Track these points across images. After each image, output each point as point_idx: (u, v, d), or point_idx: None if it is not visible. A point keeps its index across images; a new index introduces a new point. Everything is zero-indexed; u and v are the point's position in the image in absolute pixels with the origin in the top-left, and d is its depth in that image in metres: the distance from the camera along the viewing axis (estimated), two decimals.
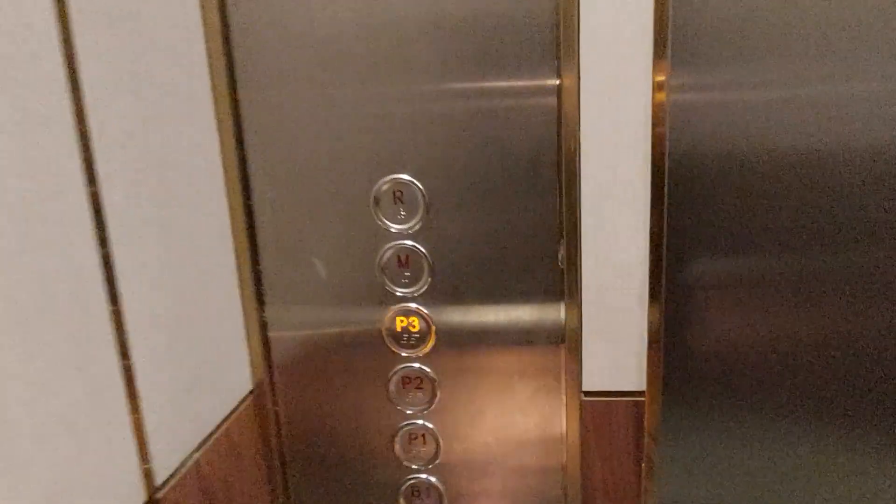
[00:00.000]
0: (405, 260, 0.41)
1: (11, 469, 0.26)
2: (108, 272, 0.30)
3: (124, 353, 0.32)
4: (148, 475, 0.33)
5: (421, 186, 0.40)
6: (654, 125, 0.38)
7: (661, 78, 0.37)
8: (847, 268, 0.39)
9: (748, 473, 0.44)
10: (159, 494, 0.34)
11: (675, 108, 0.38)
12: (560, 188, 0.40)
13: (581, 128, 0.39)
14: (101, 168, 0.30)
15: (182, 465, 0.36)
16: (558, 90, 0.38)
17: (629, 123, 0.40)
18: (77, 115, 0.28)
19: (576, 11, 0.37)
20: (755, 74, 0.37)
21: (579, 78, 0.38)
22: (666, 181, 0.39)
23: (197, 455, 0.37)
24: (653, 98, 0.38)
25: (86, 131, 0.29)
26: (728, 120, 0.38)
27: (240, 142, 0.41)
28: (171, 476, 0.35)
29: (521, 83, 0.38)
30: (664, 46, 0.37)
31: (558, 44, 0.37)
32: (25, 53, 0.26)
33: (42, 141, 0.27)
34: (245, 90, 0.40)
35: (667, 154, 0.38)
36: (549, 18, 0.37)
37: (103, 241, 0.30)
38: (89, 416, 0.30)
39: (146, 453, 0.33)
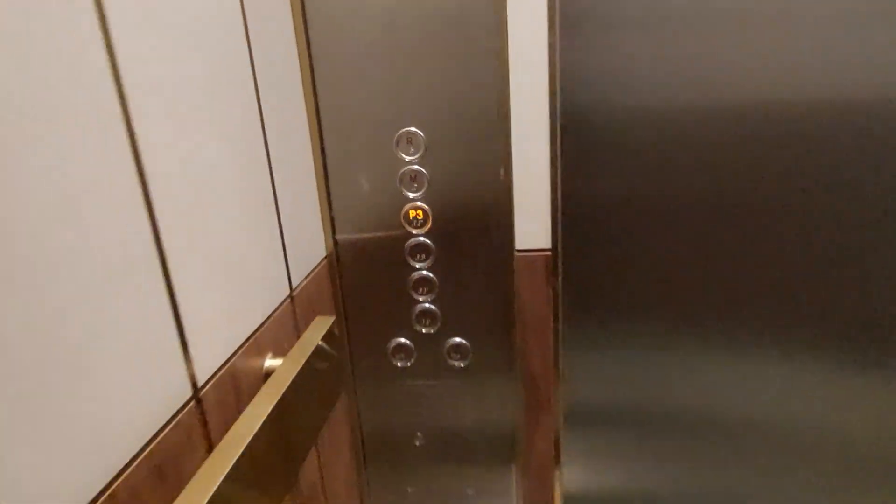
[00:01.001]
0: (413, 177, 0.73)
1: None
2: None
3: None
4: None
5: (422, 134, 0.71)
6: (550, 82, 0.69)
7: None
8: (704, 197, 0.72)
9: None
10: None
11: (564, 68, 0.69)
12: (500, 110, 0.71)
13: (510, 86, 0.70)
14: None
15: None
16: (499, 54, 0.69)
17: (536, 83, 0.71)
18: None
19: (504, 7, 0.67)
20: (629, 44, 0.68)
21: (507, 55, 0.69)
22: (559, 125, 0.70)
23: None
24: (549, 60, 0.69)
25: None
26: (611, 79, 0.69)
27: (316, 105, 0.71)
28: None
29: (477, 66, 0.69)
30: (554, 25, 0.68)
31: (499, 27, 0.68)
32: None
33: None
34: (318, 64, 0.70)
35: (558, 105, 0.70)
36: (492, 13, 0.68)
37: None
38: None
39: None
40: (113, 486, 0.36)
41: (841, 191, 0.69)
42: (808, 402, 0.79)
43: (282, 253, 0.62)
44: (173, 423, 0.42)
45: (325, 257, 0.76)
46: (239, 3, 0.55)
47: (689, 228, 0.73)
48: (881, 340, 0.74)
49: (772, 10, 0.64)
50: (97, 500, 0.35)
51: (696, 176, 0.71)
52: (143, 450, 0.39)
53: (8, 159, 0.29)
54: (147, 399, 0.40)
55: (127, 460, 0.38)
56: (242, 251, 0.54)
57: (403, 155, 0.72)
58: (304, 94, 0.70)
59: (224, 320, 0.50)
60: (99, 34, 0.36)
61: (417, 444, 0.85)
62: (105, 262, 0.36)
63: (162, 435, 0.41)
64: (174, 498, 0.40)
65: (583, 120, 0.70)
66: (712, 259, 0.74)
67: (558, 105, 0.69)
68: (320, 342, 0.58)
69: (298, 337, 0.64)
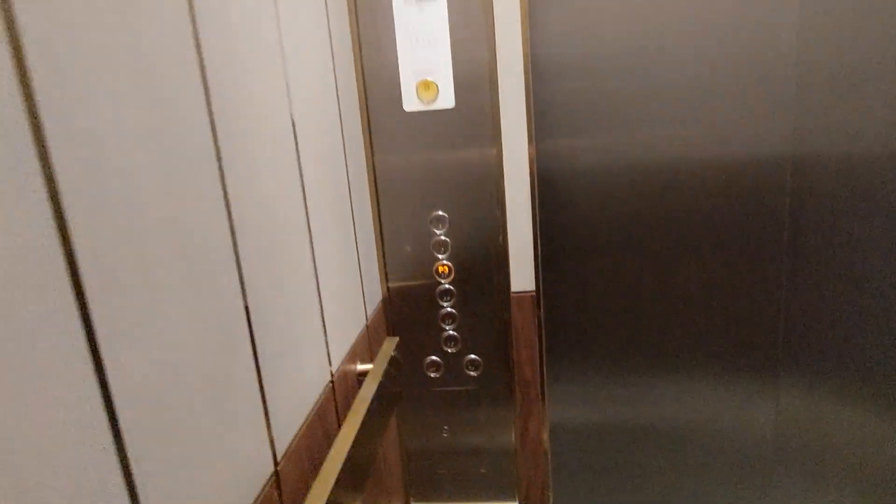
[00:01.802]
0: (441, 244, 1.08)
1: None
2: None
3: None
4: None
5: (447, 216, 1.07)
6: (531, 189, 1.06)
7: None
8: (638, 244, 1.08)
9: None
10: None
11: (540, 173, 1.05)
12: (498, 198, 1.07)
13: (505, 176, 1.06)
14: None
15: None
16: (497, 157, 1.05)
17: (523, 183, 1.07)
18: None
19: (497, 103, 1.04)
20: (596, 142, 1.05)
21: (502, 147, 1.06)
22: (537, 189, 1.06)
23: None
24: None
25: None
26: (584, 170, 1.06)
27: (377, 195, 1.07)
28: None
29: (475, 169, 1.05)
30: (531, 123, 1.04)
31: (494, 123, 1.05)
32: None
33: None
34: (381, 177, 1.06)
35: (535, 174, 1.06)
36: (488, 109, 1.04)
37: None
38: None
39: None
40: None
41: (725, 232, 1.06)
42: (747, 412, 1.13)
43: (361, 294, 0.97)
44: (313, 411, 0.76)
45: (382, 300, 1.11)
46: (338, 114, 0.91)
47: (631, 271, 1.09)
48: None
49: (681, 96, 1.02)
50: None
51: (629, 227, 1.07)
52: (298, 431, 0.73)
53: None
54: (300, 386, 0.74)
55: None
56: (346, 288, 0.88)
57: (434, 230, 1.08)
58: (370, 188, 1.06)
59: (334, 333, 0.84)
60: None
61: (444, 434, 1.18)
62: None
63: (304, 427, 0.75)
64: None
65: (552, 197, 1.07)
66: (654, 292, 1.10)
67: (537, 197, 1.06)
68: (393, 352, 0.92)
69: (371, 353, 0.98)
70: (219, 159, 0.51)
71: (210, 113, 0.50)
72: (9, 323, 0.29)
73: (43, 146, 0.32)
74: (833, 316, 1.05)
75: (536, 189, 1.06)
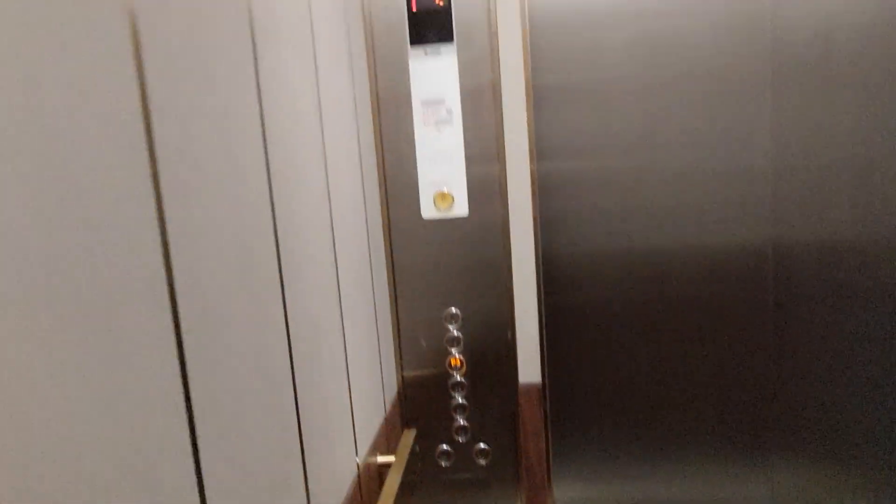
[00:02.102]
0: (454, 340, 1.16)
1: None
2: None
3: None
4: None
5: (460, 313, 1.15)
6: (537, 284, 1.15)
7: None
8: (630, 338, 1.16)
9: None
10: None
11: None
12: (507, 287, 1.16)
13: (513, 276, 1.15)
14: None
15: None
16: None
17: (528, 283, 1.16)
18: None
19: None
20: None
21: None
22: (544, 308, 1.15)
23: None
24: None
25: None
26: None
27: (395, 295, 1.16)
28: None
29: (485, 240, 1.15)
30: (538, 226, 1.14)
31: (500, 185, 1.15)
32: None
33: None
34: (399, 277, 1.15)
35: (541, 276, 1.15)
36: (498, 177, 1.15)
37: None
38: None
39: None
40: None
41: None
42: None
43: (381, 387, 1.04)
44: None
45: (398, 392, 1.18)
46: (365, 223, 1.01)
47: (630, 358, 1.17)
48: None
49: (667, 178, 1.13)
50: None
51: (626, 314, 1.16)
52: None
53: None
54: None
55: None
56: (370, 382, 0.96)
57: (448, 325, 1.16)
58: (389, 288, 1.16)
59: (360, 425, 0.91)
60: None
61: None
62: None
63: None
64: None
65: (556, 293, 1.16)
66: (651, 378, 1.17)
67: (543, 299, 1.16)
68: (413, 443, 0.99)
69: (388, 444, 1.04)
70: (282, 285, 0.61)
71: (277, 248, 0.60)
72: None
73: (167, 250, 0.41)
74: (821, 398, 1.12)
75: (542, 289, 1.16)
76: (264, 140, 0.58)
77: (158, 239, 0.39)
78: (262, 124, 0.57)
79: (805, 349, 1.13)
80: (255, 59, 0.56)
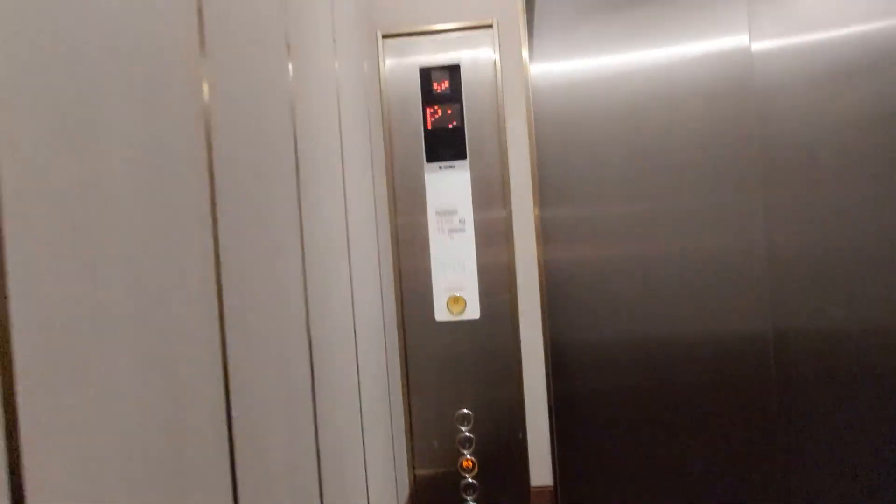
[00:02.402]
0: (466, 441, 1.18)
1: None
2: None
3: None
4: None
5: (472, 413, 1.18)
6: (547, 398, 1.18)
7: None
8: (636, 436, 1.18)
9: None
10: None
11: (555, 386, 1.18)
12: (518, 385, 1.18)
13: (524, 375, 1.18)
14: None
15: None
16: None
17: (539, 396, 1.19)
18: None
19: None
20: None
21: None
22: (553, 412, 1.18)
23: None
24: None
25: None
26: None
27: (408, 387, 1.19)
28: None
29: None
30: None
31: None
32: None
33: None
34: (412, 372, 1.19)
35: (552, 383, 1.18)
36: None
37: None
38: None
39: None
40: None
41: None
42: None
43: (395, 490, 1.05)
44: None
45: (409, 494, 1.18)
46: (383, 328, 1.05)
47: (640, 448, 1.18)
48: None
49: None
50: None
51: (636, 401, 1.18)
52: None
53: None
54: None
55: None
56: (384, 485, 0.97)
57: (460, 426, 1.19)
58: (402, 389, 1.19)
59: None
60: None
61: None
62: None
63: None
64: None
65: (566, 387, 1.19)
66: (660, 468, 1.18)
67: (552, 390, 1.19)
68: None
69: None
70: (314, 399, 0.65)
71: (311, 365, 0.65)
72: None
73: (225, 352, 0.45)
74: (832, 484, 1.13)
75: (551, 381, 1.19)
76: (304, 268, 0.64)
77: (220, 370, 0.44)
78: (303, 255, 0.63)
79: (810, 432, 1.15)
80: (299, 201, 0.63)
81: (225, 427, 0.44)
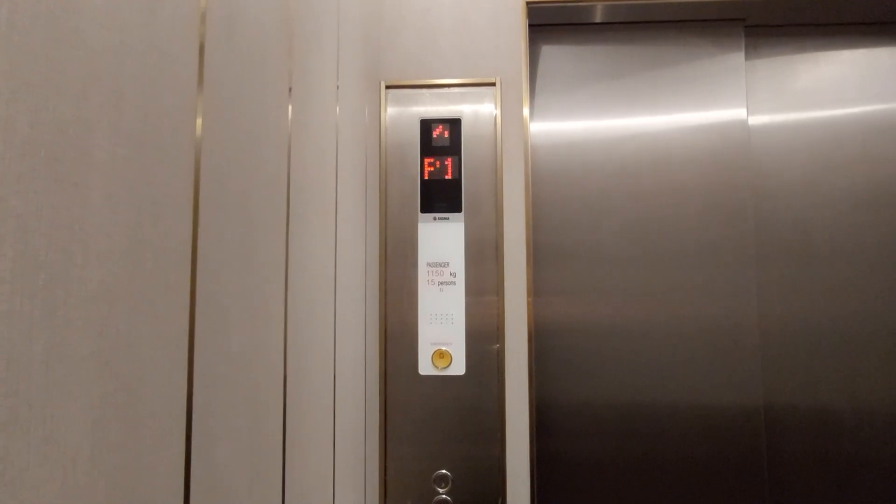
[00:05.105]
0: (442, 502, 1.13)
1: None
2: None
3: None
4: None
5: (450, 474, 1.13)
6: (530, 448, 1.14)
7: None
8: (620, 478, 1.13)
9: None
10: None
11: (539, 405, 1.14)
12: (500, 450, 1.13)
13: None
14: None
15: None
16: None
17: (522, 450, 1.15)
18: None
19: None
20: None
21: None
22: (534, 412, 1.13)
23: None
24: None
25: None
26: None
27: (385, 443, 1.14)
28: None
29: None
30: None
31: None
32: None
33: None
34: (391, 427, 1.14)
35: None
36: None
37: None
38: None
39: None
40: None
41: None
42: None
43: None
44: None
45: None
46: (364, 382, 1.01)
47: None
48: None
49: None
50: None
51: (623, 476, 1.13)
52: None
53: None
54: None
55: None
56: None
57: (437, 488, 1.13)
58: (380, 446, 1.14)
59: None
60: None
61: None
62: None
63: None
64: None
65: (547, 452, 1.14)
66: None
67: (535, 473, 1.14)
68: None
69: None
70: (283, 458, 0.61)
71: (284, 416, 0.61)
72: None
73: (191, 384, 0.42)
74: None
75: (535, 453, 1.14)
76: (285, 317, 0.61)
77: (184, 421, 0.41)
78: (286, 307, 0.61)
79: None
80: (287, 246, 0.61)
81: (182, 487, 0.40)
